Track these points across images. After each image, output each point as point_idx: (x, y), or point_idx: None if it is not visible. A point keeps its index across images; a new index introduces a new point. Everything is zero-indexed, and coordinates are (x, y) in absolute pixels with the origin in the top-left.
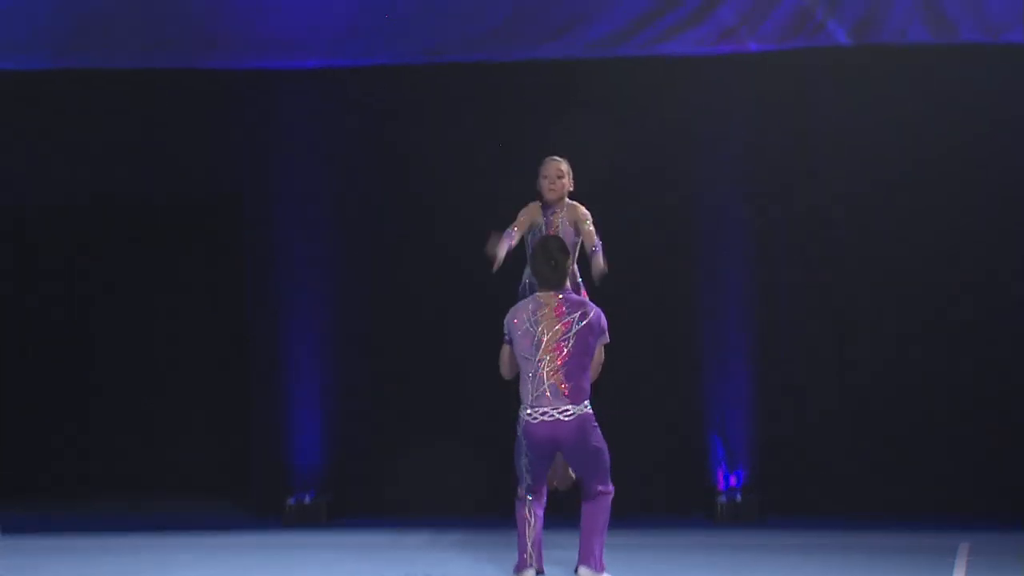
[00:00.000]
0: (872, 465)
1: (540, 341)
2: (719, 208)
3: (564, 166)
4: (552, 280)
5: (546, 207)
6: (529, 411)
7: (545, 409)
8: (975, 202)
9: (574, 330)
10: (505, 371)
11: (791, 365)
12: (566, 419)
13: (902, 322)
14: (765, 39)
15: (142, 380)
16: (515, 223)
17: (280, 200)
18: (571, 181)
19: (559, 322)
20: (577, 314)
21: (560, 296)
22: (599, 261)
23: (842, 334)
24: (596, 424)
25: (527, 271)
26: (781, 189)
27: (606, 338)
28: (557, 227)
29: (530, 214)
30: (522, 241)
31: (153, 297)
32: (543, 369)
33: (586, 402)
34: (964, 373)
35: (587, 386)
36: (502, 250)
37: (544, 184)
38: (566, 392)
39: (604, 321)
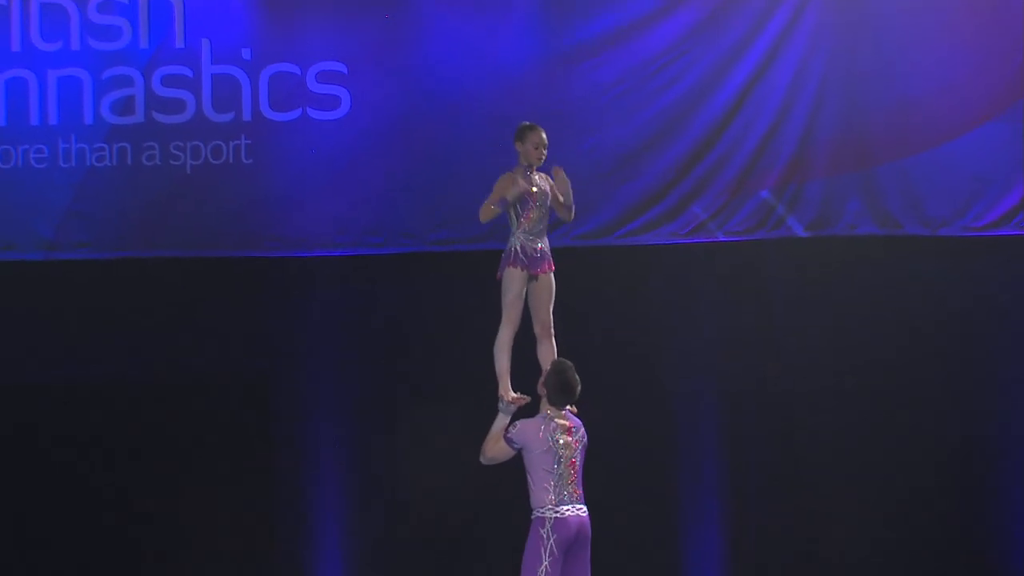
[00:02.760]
0: None
1: (560, 456)
2: (692, 394)
3: (545, 134)
4: (565, 402)
5: (526, 169)
6: (555, 510)
7: (569, 507)
8: (936, 381)
9: (580, 447)
10: (486, 460)
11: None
12: (584, 514)
13: (871, 500)
14: (732, 232)
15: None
16: (501, 194)
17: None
18: None
19: (572, 440)
20: (580, 434)
21: (566, 415)
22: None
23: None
24: None
25: (511, 240)
26: (750, 374)
27: None
28: (539, 185)
29: (514, 182)
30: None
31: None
32: (563, 479)
33: None
34: (948, 552)
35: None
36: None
37: (533, 154)
38: (578, 496)
39: None
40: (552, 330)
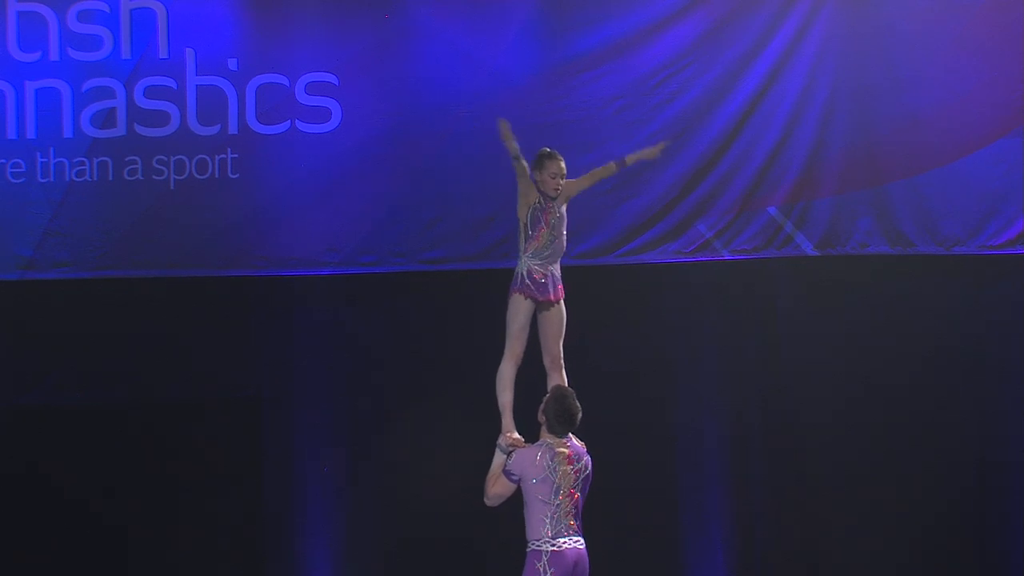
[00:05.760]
0: None
1: (558, 488)
2: (695, 417)
3: (564, 163)
4: (565, 430)
5: (543, 194)
6: (552, 543)
7: (565, 539)
8: (950, 406)
9: (581, 477)
10: (493, 501)
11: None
12: (581, 547)
13: (883, 530)
14: (738, 250)
15: None
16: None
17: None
18: None
19: (571, 469)
20: (582, 463)
21: (568, 444)
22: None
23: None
24: None
25: (519, 263)
26: (756, 398)
27: None
28: (557, 213)
29: (529, 190)
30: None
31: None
32: (560, 511)
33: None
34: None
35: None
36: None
37: (549, 183)
38: (576, 528)
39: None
40: (563, 362)
